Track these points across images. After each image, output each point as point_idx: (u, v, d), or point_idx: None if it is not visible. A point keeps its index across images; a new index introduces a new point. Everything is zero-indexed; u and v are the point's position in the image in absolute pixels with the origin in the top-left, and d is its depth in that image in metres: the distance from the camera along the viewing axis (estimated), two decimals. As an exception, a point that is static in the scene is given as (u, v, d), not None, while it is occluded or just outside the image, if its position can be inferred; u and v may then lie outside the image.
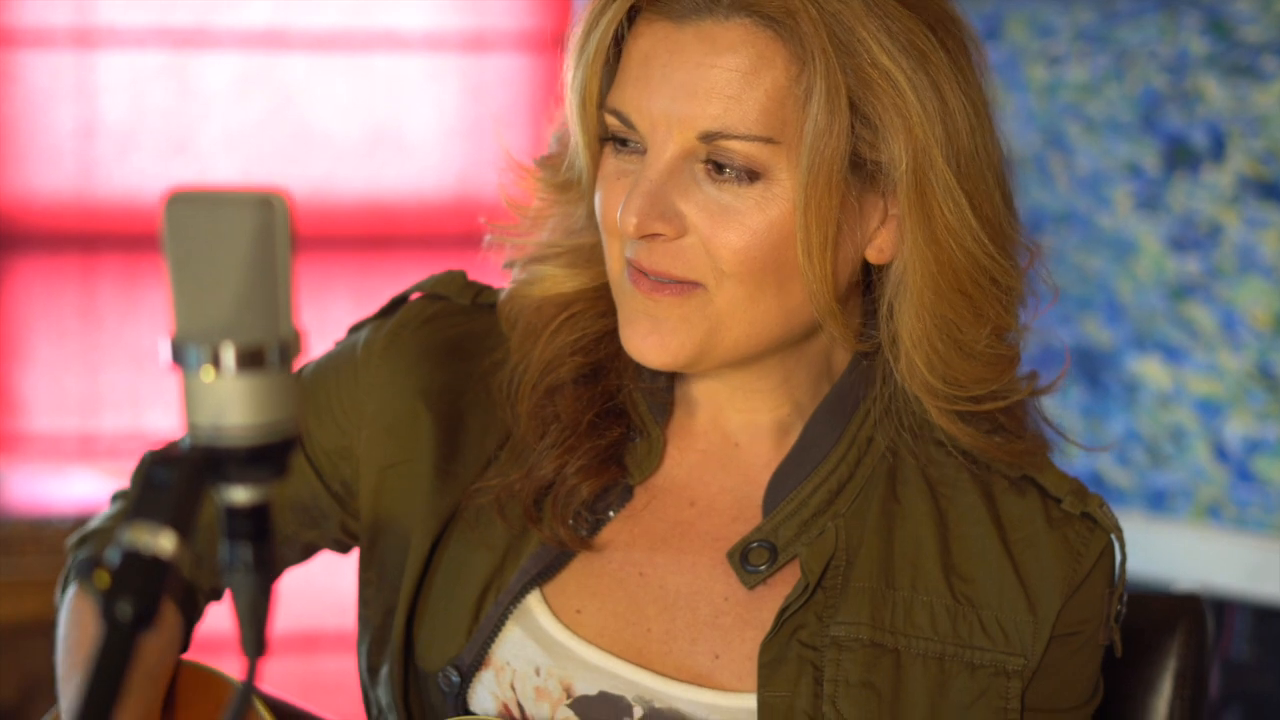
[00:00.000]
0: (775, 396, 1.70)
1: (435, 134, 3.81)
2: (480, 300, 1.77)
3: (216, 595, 1.92)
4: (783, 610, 1.64)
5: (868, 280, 1.67)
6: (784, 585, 1.67)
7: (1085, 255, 3.00)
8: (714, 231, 1.59)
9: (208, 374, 1.18)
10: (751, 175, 1.58)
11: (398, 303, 1.79)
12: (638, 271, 1.62)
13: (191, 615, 1.87)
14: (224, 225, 1.18)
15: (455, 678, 1.69)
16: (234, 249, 1.18)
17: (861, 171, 1.60)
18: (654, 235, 1.60)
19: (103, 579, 1.15)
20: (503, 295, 1.75)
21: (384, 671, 1.74)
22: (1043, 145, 3.03)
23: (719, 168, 1.59)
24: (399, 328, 1.76)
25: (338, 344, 1.81)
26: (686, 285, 1.61)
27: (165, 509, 1.16)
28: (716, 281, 1.60)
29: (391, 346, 1.76)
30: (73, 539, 1.90)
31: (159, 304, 3.72)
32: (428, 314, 1.77)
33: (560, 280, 1.72)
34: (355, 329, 1.81)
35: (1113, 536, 1.67)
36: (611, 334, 1.71)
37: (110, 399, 3.75)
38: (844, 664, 1.63)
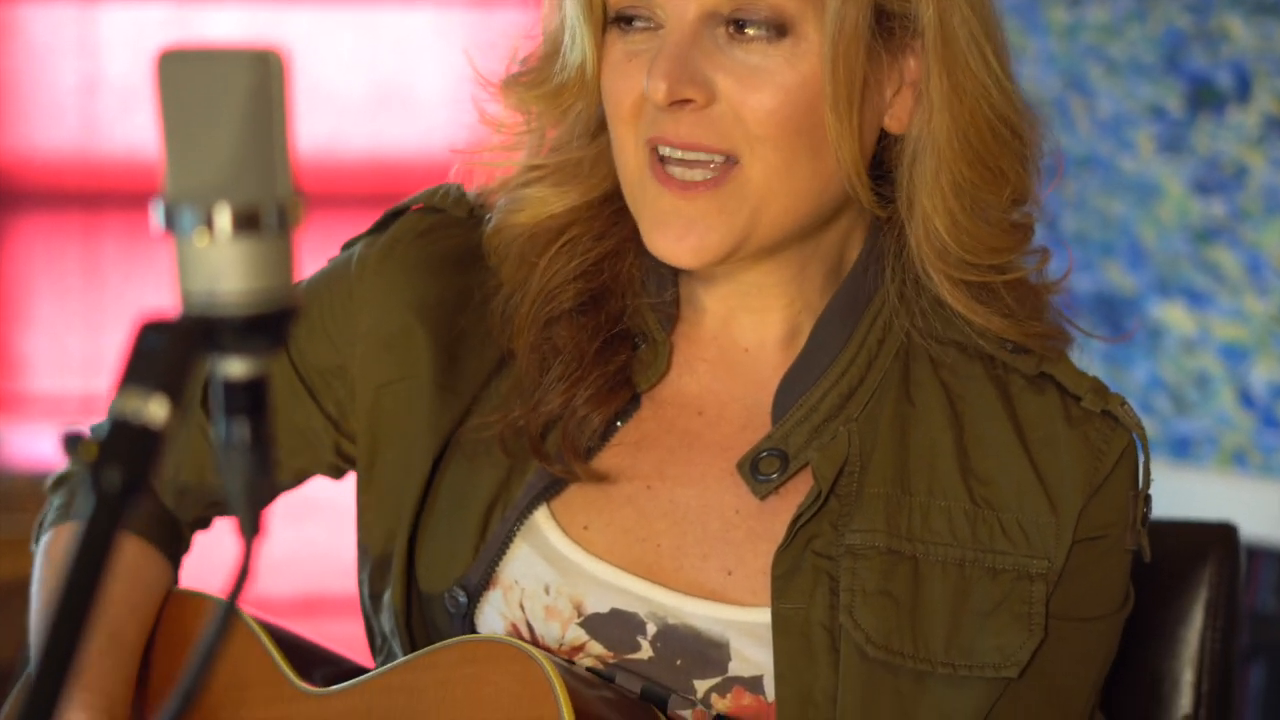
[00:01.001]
0: (787, 293, 1.64)
1: (442, 91, 3.75)
2: (478, 212, 1.71)
3: (203, 524, 1.87)
4: (795, 520, 1.58)
5: (879, 160, 1.63)
6: (796, 495, 1.61)
7: (1107, 200, 2.95)
8: (745, 95, 1.53)
9: (201, 237, 1.12)
10: (779, 30, 1.53)
11: (392, 217, 1.73)
12: (664, 172, 1.56)
13: (177, 551, 1.82)
14: (218, 81, 1.12)
15: (462, 598, 1.63)
16: (229, 105, 1.12)
17: (885, 26, 1.55)
18: (683, 103, 1.54)
19: (89, 450, 1.09)
20: (487, 228, 1.69)
21: (386, 597, 1.69)
22: (1063, 88, 2.98)
23: (741, 28, 1.53)
24: (393, 241, 1.71)
25: (330, 261, 1.76)
26: (719, 168, 1.55)
27: (156, 375, 1.10)
28: (750, 151, 1.54)
29: (386, 260, 1.70)
30: (50, 481, 1.85)
31: (163, 263, 3.67)
32: (423, 227, 1.71)
33: (549, 200, 1.66)
34: (348, 245, 1.75)
35: (1135, 436, 1.62)
36: (612, 255, 1.65)
37: (113, 359, 3.70)
38: (860, 573, 1.57)
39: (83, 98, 3.68)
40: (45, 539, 1.80)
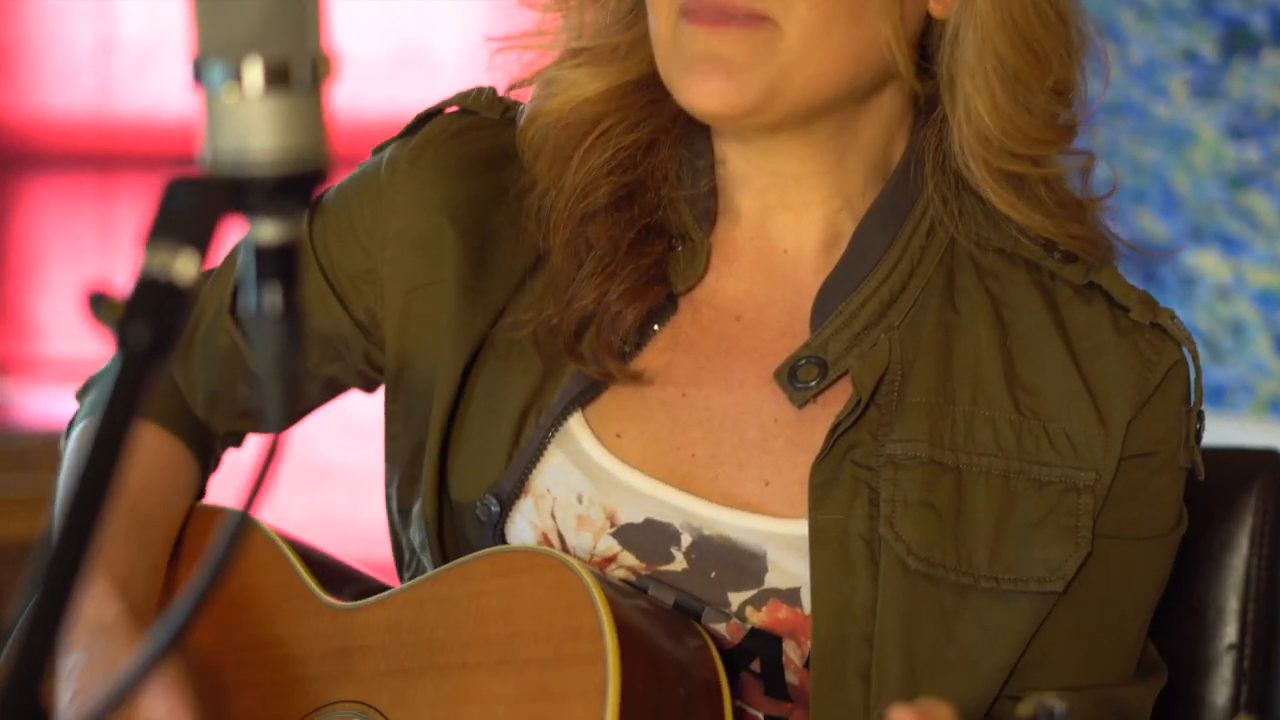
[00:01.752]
0: (826, 187, 1.60)
1: (461, 53, 3.72)
2: (510, 114, 1.67)
3: (235, 440, 1.83)
4: (834, 429, 1.54)
5: (921, 47, 1.59)
6: (835, 404, 1.57)
7: (1140, 146, 2.91)
8: None
9: (231, 93, 1.08)
10: None
11: (424, 119, 1.69)
12: (696, 11, 1.52)
13: (208, 462, 1.78)
14: (249, -70, 1.08)
15: (495, 507, 1.59)
16: (259, -44, 1.08)
17: None
18: None
19: (115, 309, 1.05)
20: (520, 119, 1.65)
21: (416, 509, 1.65)
22: (1095, 33, 2.93)
23: None
24: (424, 143, 1.67)
25: (360, 166, 1.72)
26: (754, 19, 1.51)
27: (183, 231, 1.06)
28: (786, 11, 1.50)
29: (417, 161, 1.66)
30: (80, 387, 1.82)
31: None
32: (455, 128, 1.67)
33: (583, 84, 1.62)
34: (379, 149, 1.72)
35: (1185, 349, 1.57)
36: (647, 146, 1.62)
37: (128, 322, 3.67)
38: (901, 483, 1.53)
39: (98, 58, 3.65)
40: (74, 433, 1.76)
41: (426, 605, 1.55)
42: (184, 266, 1.05)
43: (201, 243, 1.06)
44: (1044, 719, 1.17)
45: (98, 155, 3.66)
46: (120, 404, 1.04)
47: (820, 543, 1.52)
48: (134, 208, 3.66)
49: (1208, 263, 2.86)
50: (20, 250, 3.67)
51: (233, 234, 1.09)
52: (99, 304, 1.06)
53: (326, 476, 3.46)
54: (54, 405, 3.48)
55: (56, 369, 3.64)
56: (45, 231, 3.67)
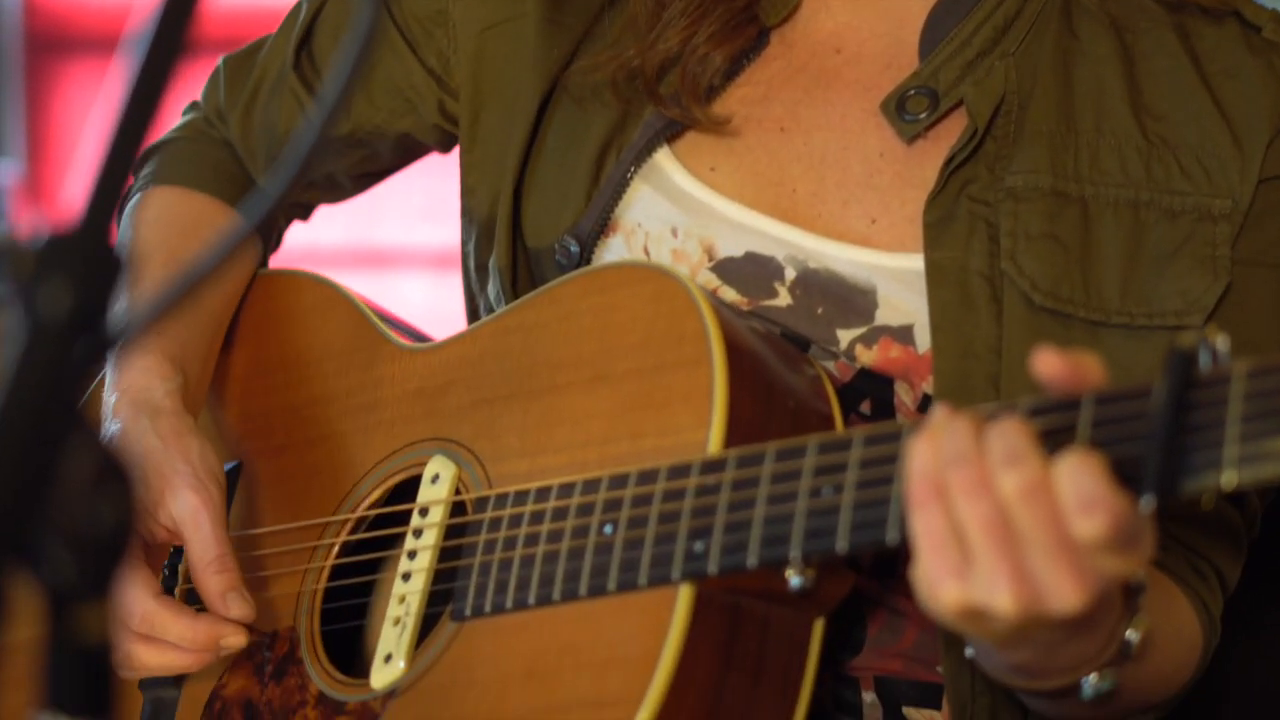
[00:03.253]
0: None
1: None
2: None
3: (301, 212, 1.75)
4: (948, 162, 1.44)
5: None
6: (948, 137, 1.47)
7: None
8: None
9: None
10: None
11: None
12: None
13: (268, 233, 1.70)
14: None
15: (574, 247, 1.49)
16: None
17: None
18: None
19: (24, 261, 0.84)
20: None
21: (491, 260, 1.55)
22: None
23: None
24: None
25: None
26: None
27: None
28: None
29: None
30: (139, 157, 1.73)
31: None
32: None
33: None
34: None
35: None
36: None
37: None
38: (1022, 216, 1.43)
39: (137, -60, 3.57)
40: (132, 204, 1.68)
41: (511, 334, 1.45)
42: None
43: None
44: (1204, 350, 1.07)
45: (137, 39, 3.59)
46: (26, 391, 0.82)
47: (938, 282, 1.42)
48: (174, 93, 3.58)
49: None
50: (59, 134, 3.61)
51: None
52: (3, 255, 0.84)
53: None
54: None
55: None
56: (84, 116, 3.60)
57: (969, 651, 1.24)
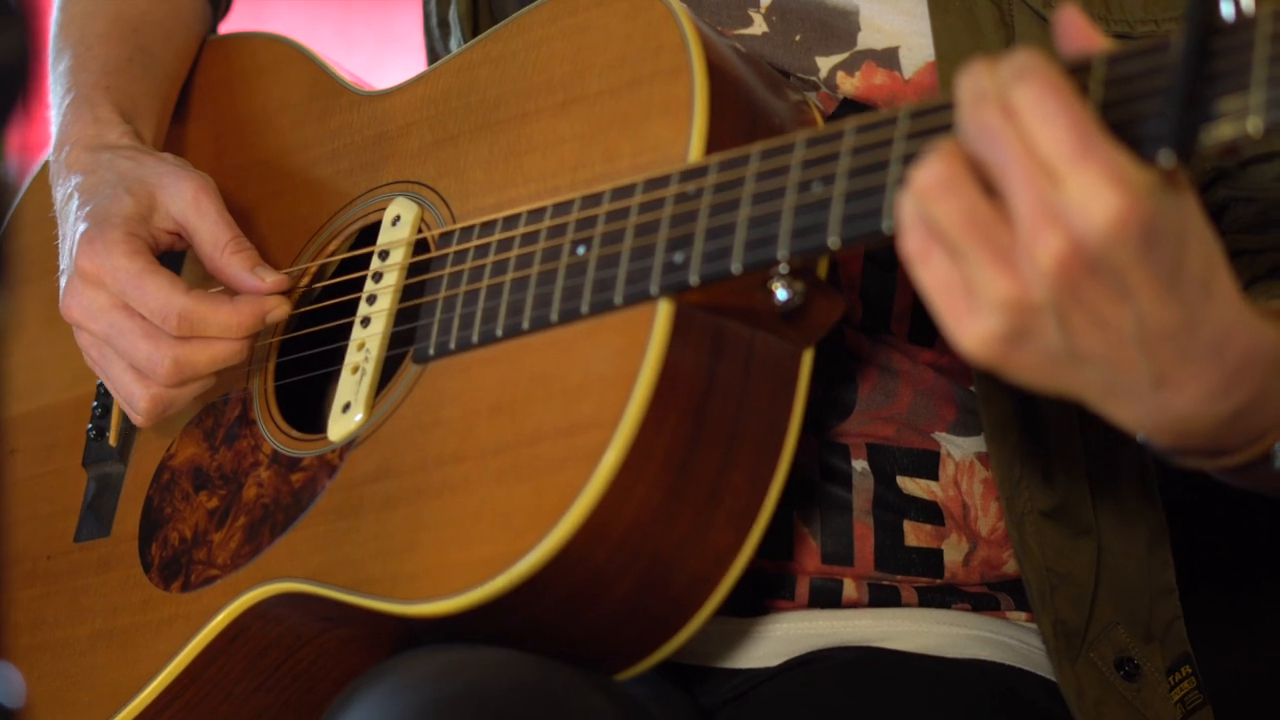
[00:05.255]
0: None
1: None
2: None
3: None
4: None
5: None
6: None
7: None
8: None
9: None
10: None
11: None
12: None
13: (217, 1, 1.62)
14: None
15: None
16: None
17: None
18: None
19: None
20: None
21: (451, 11, 1.49)
22: None
23: None
24: None
25: None
26: None
27: None
28: None
29: None
30: None
31: None
32: None
33: None
34: None
35: None
36: None
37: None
38: None
39: None
40: None
41: (477, 68, 1.36)
42: None
43: None
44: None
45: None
46: None
47: (942, 7, 1.34)
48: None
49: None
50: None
51: None
52: None
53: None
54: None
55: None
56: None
57: (1140, 437, 1.11)
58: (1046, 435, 1.36)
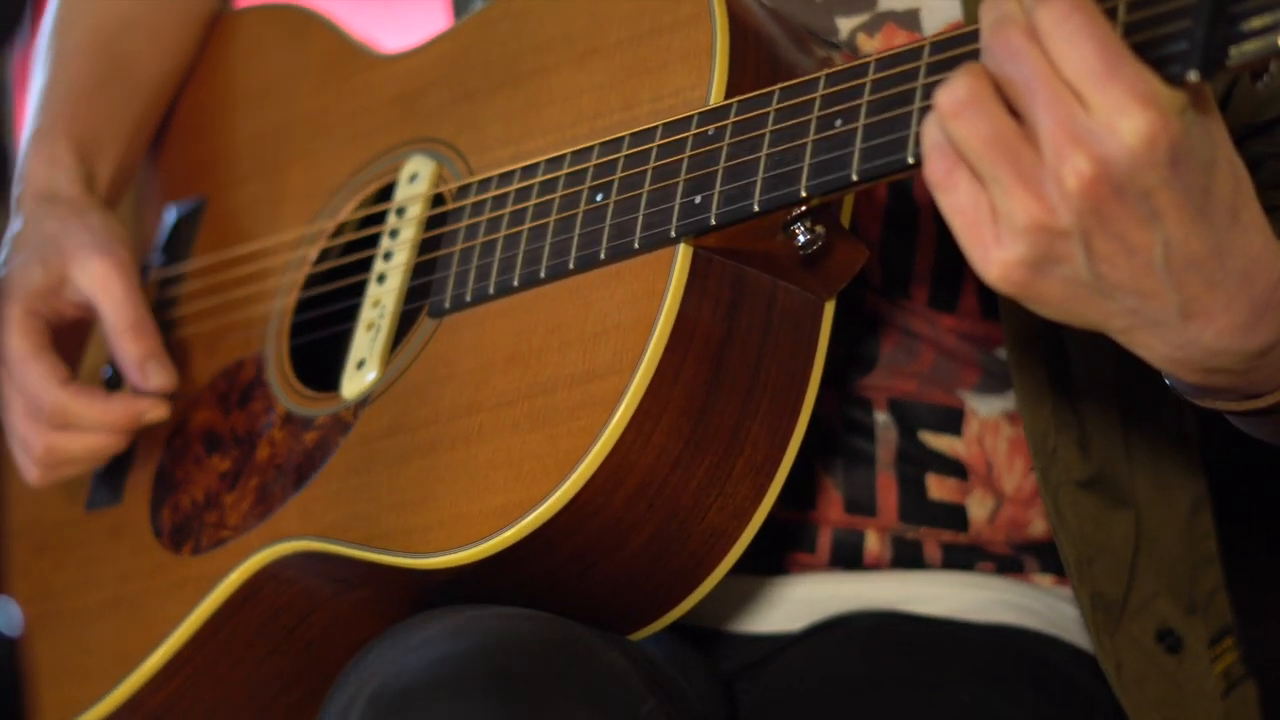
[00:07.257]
0: None
1: None
2: None
3: None
4: None
5: None
6: None
7: None
8: None
9: None
10: None
11: None
12: None
13: None
14: None
15: None
16: None
17: None
18: None
19: None
20: None
21: None
22: None
23: None
24: None
25: None
26: None
27: None
28: None
29: None
30: None
31: None
32: None
33: None
34: None
35: None
36: None
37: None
38: None
39: None
40: None
41: (496, 24, 1.35)
42: None
43: None
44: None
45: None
46: None
47: None
48: None
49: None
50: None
51: None
52: None
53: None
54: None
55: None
56: None
57: (1168, 380, 1.10)
58: (1082, 404, 1.34)
